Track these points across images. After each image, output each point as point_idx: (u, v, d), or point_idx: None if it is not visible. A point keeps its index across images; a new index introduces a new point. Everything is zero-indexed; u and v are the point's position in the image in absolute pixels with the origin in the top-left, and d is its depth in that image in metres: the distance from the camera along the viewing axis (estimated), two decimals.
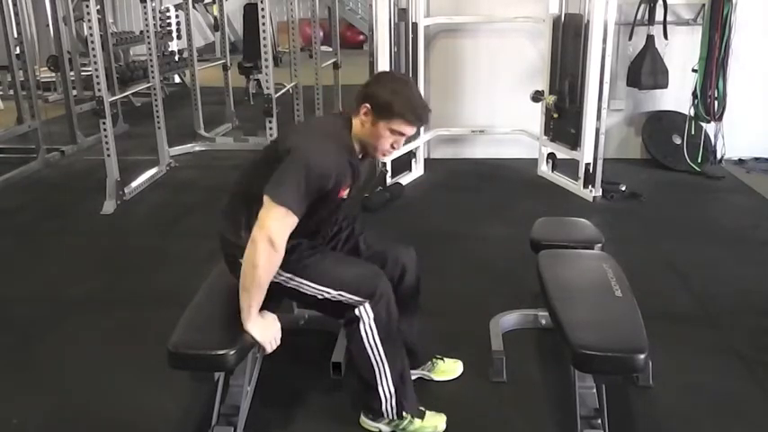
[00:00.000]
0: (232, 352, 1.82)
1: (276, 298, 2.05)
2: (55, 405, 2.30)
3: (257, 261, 1.80)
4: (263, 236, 1.79)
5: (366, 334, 1.96)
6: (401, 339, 2.07)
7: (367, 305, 1.95)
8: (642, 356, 1.79)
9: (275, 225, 1.80)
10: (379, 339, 1.97)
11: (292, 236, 1.96)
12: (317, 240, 2.12)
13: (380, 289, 1.98)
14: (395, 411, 2.03)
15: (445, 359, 2.39)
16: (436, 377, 2.35)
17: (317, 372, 2.40)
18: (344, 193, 1.97)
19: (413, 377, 2.18)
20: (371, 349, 1.97)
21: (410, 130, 1.95)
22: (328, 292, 1.97)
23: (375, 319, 1.96)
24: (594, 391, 2.07)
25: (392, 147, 1.96)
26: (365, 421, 2.09)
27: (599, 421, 2.01)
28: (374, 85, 1.96)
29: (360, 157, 2.02)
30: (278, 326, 1.94)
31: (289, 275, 1.98)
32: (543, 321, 2.64)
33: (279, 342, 1.94)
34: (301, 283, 1.99)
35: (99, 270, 3.43)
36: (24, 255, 3.68)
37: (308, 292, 1.99)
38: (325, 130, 2.01)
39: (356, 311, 1.96)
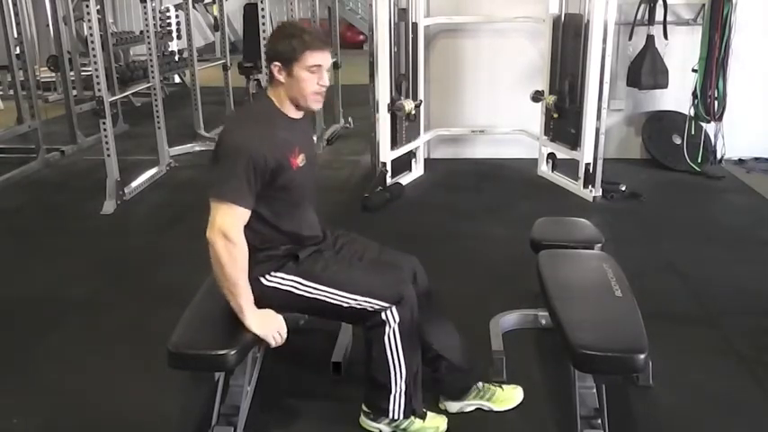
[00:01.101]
0: (232, 352, 1.82)
1: (295, 309, 2.04)
2: (55, 405, 2.30)
3: (221, 260, 1.81)
4: (215, 233, 1.80)
5: (389, 338, 1.95)
6: (419, 341, 2.05)
7: (394, 309, 1.94)
8: (642, 356, 1.79)
9: (224, 221, 1.80)
10: (401, 343, 1.96)
11: (300, 234, 1.99)
12: (324, 239, 2.12)
13: (406, 294, 1.96)
14: (402, 411, 2.02)
15: (504, 386, 2.25)
16: (496, 407, 2.20)
17: (317, 372, 2.40)
18: (299, 161, 1.94)
19: (471, 407, 2.18)
20: (392, 352, 1.96)
21: (323, 57, 1.90)
22: (354, 299, 1.95)
23: (400, 324, 1.95)
24: (594, 391, 2.07)
25: (319, 85, 1.91)
26: (365, 421, 2.09)
27: (599, 421, 2.01)
28: (271, 45, 1.94)
29: (299, 117, 2.00)
30: (280, 320, 1.92)
31: (312, 285, 1.96)
32: (543, 321, 2.64)
33: (285, 337, 1.93)
34: (326, 291, 1.96)
35: (99, 270, 3.43)
36: (24, 255, 3.68)
37: (333, 301, 1.96)
38: (246, 112, 2.05)
39: (382, 316, 1.94)
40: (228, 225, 1.80)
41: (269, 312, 1.93)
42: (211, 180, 1.86)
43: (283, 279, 1.97)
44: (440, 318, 2.22)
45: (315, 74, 1.90)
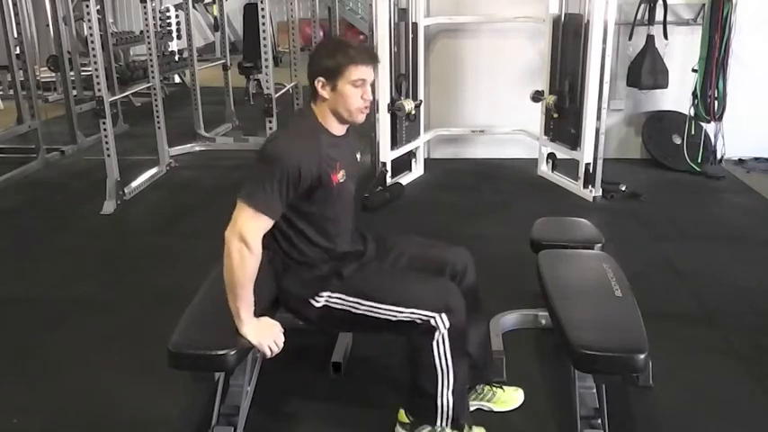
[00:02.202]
0: (232, 352, 1.82)
1: (351, 328, 2.03)
2: (55, 405, 2.30)
3: (232, 261, 1.79)
4: (234, 234, 1.79)
5: (438, 344, 1.89)
6: (467, 350, 2.03)
7: (444, 316, 1.88)
8: (642, 356, 1.79)
9: (246, 225, 1.79)
10: (450, 350, 1.90)
11: (336, 249, 1.99)
12: (365, 251, 2.11)
13: (453, 302, 1.92)
14: (450, 422, 1.96)
15: (504, 387, 2.24)
16: (496, 408, 2.20)
17: (317, 372, 2.40)
18: (339, 177, 1.93)
19: (471, 408, 2.14)
20: (440, 360, 1.90)
21: (368, 72, 1.89)
22: (401, 312, 1.89)
23: (450, 330, 1.89)
24: (594, 391, 2.07)
25: (363, 99, 1.90)
26: None
27: (599, 421, 2.01)
28: (315, 61, 1.92)
29: (343, 134, 1.98)
30: (277, 330, 1.91)
31: (356, 300, 1.93)
32: (543, 321, 2.64)
33: (280, 347, 1.91)
34: (372, 306, 1.92)
35: (99, 270, 3.43)
36: (24, 255, 3.68)
37: (380, 315, 1.91)
38: (291, 126, 2.01)
39: (431, 322, 1.88)
40: (249, 230, 1.79)
41: (266, 321, 1.91)
42: (245, 181, 1.85)
43: (330, 297, 1.95)
44: (477, 314, 2.18)
45: (359, 88, 1.88)
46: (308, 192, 1.88)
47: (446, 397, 1.93)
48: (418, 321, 1.89)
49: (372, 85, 1.94)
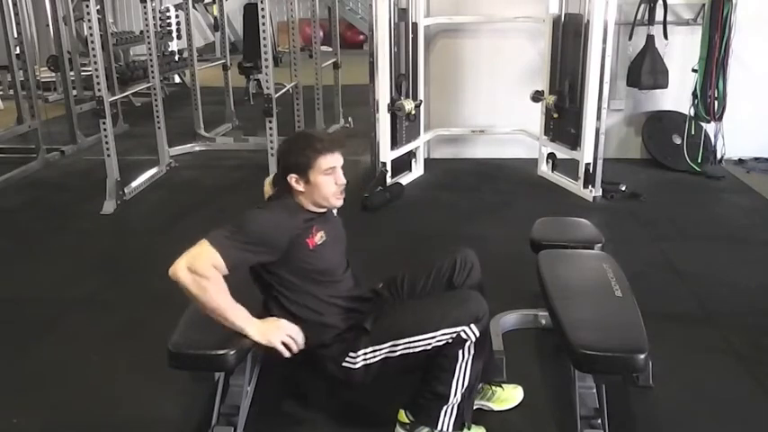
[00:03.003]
0: (232, 352, 1.82)
1: (386, 375, 2.01)
2: (55, 405, 2.30)
3: (194, 293, 1.79)
4: (180, 268, 1.78)
5: (464, 352, 1.90)
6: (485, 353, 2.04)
7: (473, 326, 1.89)
8: (642, 356, 1.79)
9: (197, 255, 1.79)
10: (473, 358, 1.92)
11: (342, 295, 2.02)
12: (379, 297, 2.15)
13: (479, 309, 1.92)
14: (453, 422, 1.97)
15: (504, 386, 2.26)
16: (496, 407, 2.22)
17: None
18: (316, 240, 1.96)
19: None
20: (461, 365, 1.91)
21: (336, 159, 1.97)
22: (434, 337, 1.89)
23: (477, 339, 1.90)
24: (594, 391, 2.07)
25: (337, 185, 1.98)
26: None
27: (599, 421, 2.01)
28: (284, 160, 1.99)
29: (323, 211, 2.03)
30: (286, 326, 1.90)
31: (390, 344, 1.94)
32: (543, 321, 2.64)
33: (299, 341, 1.91)
34: (407, 343, 1.92)
35: (99, 270, 3.43)
36: (24, 255, 3.68)
37: (418, 348, 1.91)
38: (274, 202, 2.04)
39: (463, 335, 1.89)
40: (200, 260, 1.78)
41: (271, 320, 1.92)
42: (218, 228, 1.87)
43: (366, 355, 1.96)
44: None
45: (331, 175, 1.95)
46: (286, 255, 1.91)
47: (455, 399, 1.94)
48: (450, 340, 1.90)
49: (342, 168, 2.00)
